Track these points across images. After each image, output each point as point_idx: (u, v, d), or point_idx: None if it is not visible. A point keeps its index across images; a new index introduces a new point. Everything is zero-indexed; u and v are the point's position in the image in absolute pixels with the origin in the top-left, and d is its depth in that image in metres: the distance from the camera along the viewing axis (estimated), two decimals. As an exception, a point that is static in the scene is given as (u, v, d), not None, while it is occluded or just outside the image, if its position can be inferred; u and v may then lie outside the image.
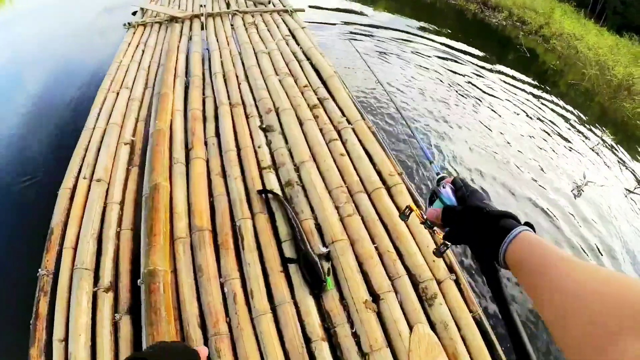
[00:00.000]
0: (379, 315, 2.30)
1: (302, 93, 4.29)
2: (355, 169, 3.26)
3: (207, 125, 3.86)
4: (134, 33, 6.45)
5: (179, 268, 2.52)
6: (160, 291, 2.29)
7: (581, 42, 11.59)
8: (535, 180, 4.72)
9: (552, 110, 6.86)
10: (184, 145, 3.58)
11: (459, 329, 2.28)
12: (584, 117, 7.07)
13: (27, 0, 10.76)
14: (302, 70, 4.81)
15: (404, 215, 1.19)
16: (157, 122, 3.71)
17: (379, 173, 3.21)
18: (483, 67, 8.08)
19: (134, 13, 7.61)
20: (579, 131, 6.34)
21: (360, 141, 3.55)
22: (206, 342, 2.19)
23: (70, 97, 5.60)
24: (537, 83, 8.11)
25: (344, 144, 3.53)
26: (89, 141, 3.80)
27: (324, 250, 2.59)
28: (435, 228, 0.93)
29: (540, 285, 0.54)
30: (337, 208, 2.89)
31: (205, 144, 3.62)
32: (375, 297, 2.37)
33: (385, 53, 7.88)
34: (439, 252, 0.99)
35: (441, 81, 6.91)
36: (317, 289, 2.39)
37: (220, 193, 3.04)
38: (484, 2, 14.58)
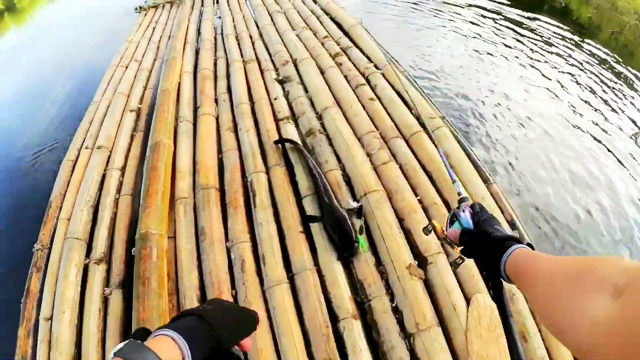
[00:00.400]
0: (427, 284, 1.74)
1: (322, 44, 3.80)
2: (388, 114, 2.73)
3: (218, 84, 3.45)
4: (145, 15, 6.16)
5: (179, 232, 2.08)
6: (152, 258, 1.84)
7: None
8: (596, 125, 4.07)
9: (597, 61, 6.05)
10: (193, 104, 3.19)
11: (527, 301, 1.68)
12: (629, 66, 6.25)
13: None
14: (322, 23, 4.30)
15: (427, 230, 1.23)
16: (163, 83, 3.30)
17: (416, 118, 2.66)
18: (520, 23, 7.34)
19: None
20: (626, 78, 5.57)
21: (391, 85, 3.02)
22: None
23: (81, 78, 5.36)
24: (576, 36, 7.32)
25: (372, 89, 3.01)
26: (95, 113, 3.53)
27: (354, 204, 2.05)
28: (454, 245, 1.04)
29: (531, 291, 0.64)
30: (369, 156, 2.36)
31: (216, 101, 3.20)
32: (422, 261, 1.81)
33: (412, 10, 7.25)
34: (455, 264, 1.20)
35: (480, 36, 6.22)
36: (346, 252, 1.84)
37: (230, 148, 2.59)
38: None
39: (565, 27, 7.37)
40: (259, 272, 1.87)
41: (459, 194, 1.31)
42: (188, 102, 3.18)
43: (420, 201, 2.09)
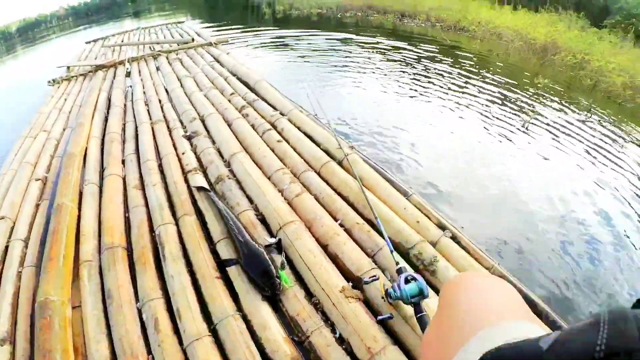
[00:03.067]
0: (368, 304, 1.54)
1: (229, 100, 3.69)
2: (296, 151, 2.64)
3: (125, 146, 3.18)
4: (58, 87, 5.77)
5: (84, 299, 1.75)
6: (53, 328, 1.51)
7: (497, 24, 11.71)
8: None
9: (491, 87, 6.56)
10: (99, 167, 2.88)
11: None
12: (520, 87, 6.84)
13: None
14: (228, 83, 4.21)
15: (369, 280, 1.31)
16: (69, 148, 2.98)
17: (325, 151, 2.59)
18: (412, 64, 7.82)
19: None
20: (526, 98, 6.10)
21: (297, 127, 2.96)
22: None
23: None
24: (468, 67, 7.93)
25: (279, 132, 2.93)
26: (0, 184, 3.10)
27: (271, 240, 1.85)
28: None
29: None
30: (280, 192, 2.22)
31: (123, 162, 2.93)
32: (357, 282, 1.62)
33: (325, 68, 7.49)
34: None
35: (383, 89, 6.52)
36: (270, 290, 1.61)
37: (137, 204, 2.33)
38: (402, 13, 14.63)
39: (462, 63, 8.02)
40: (175, 330, 1.57)
41: (397, 263, 1.39)
42: (94, 165, 2.86)
43: (341, 224, 1.94)
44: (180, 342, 1.53)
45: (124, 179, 2.69)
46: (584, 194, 3.46)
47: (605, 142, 4.58)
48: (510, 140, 4.31)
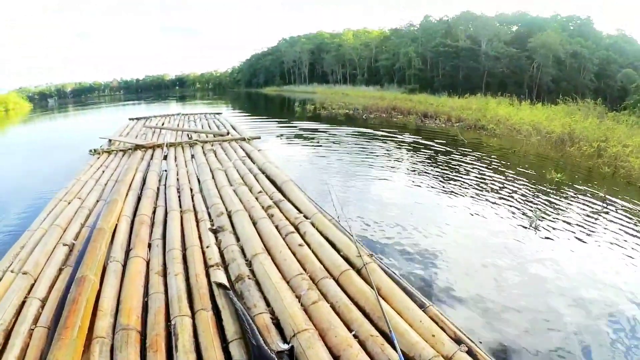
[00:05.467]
0: None
1: (256, 198, 3.87)
2: (317, 256, 2.71)
3: (154, 229, 3.30)
4: (98, 158, 6.14)
5: None
6: None
7: (515, 120, 12.09)
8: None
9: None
10: (126, 246, 2.99)
11: None
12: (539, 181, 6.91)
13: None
14: (257, 180, 4.44)
15: None
16: (101, 222, 3.14)
17: (345, 258, 2.67)
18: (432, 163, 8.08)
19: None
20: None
21: (320, 231, 3.06)
22: None
23: (24, 204, 4.97)
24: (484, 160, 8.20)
25: (302, 236, 3.02)
26: (29, 239, 3.24)
27: (284, 346, 1.86)
28: None
29: None
30: (298, 297, 2.24)
31: (149, 246, 3.02)
32: None
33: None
34: None
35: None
36: None
37: (157, 291, 2.38)
38: (424, 114, 15.18)
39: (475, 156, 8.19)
40: None
41: None
42: (122, 243, 2.98)
43: (355, 336, 1.96)
44: None
45: (147, 263, 2.76)
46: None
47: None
48: (531, 240, 4.35)
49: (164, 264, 2.74)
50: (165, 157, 5.92)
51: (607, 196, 6.18)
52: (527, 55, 36.84)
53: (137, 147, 6.56)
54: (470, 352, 1.86)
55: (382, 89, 37.14)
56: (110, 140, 7.33)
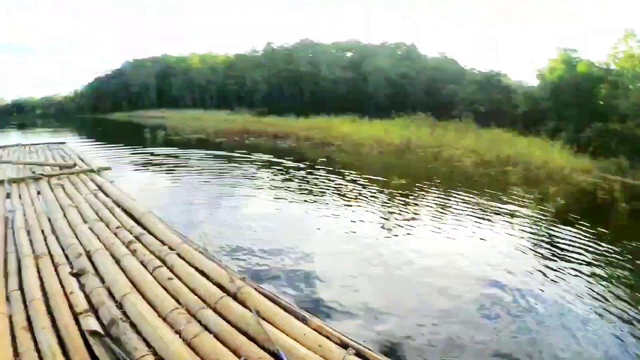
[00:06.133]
0: None
1: (115, 234, 3.79)
2: (189, 288, 2.74)
3: (9, 280, 3.07)
4: None
5: None
6: None
7: (358, 136, 13.82)
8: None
9: None
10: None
11: None
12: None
13: None
14: (114, 215, 4.34)
15: None
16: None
17: (218, 285, 2.74)
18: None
19: None
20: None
21: (187, 262, 3.11)
22: None
23: None
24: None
25: (170, 268, 3.05)
26: None
27: None
28: None
29: None
30: (178, 333, 2.25)
31: (8, 298, 2.81)
32: None
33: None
34: None
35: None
36: None
37: (28, 349, 2.26)
38: (275, 135, 16.09)
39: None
40: None
41: None
42: None
43: None
44: None
45: (10, 318, 2.57)
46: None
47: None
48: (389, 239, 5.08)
49: (28, 318, 2.58)
50: (8, 196, 5.37)
51: (447, 193, 7.69)
52: (363, 77, 41.45)
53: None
54: (358, 354, 2.02)
55: (233, 112, 38.33)
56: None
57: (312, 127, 16.55)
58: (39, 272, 3.18)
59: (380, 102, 39.39)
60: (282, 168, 9.80)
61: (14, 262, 3.39)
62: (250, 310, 2.29)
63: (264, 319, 2.25)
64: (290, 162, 10.56)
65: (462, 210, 6.86)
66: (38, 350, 2.27)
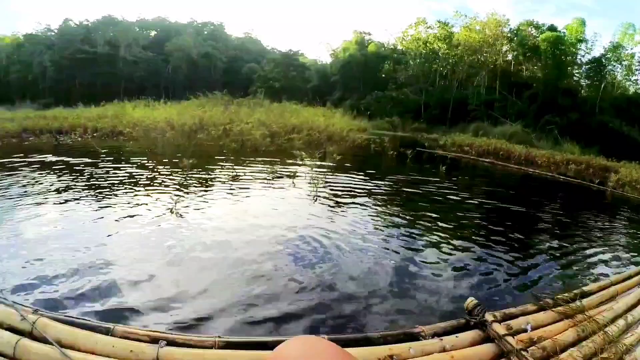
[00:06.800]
0: None
1: None
2: None
3: None
4: None
5: None
6: None
7: (151, 120, 13.41)
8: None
9: None
10: None
11: None
12: None
13: None
14: None
15: None
16: None
17: (9, 329, 2.21)
18: None
19: None
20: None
21: None
22: None
23: None
24: None
25: None
26: None
27: None
28: None
29: None
30: None
31: None
32: None
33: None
34: None
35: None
36: None
37: None
38: (58, 131, 13.84)
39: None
40: None
41: None
42: None
43: None
44: None
45: None
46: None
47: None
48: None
49: None
50: None
51: (236, 167, 8.17)
52: (164, 58, 39.74)
53: None
54: (170, 343, 1.96)
55: (13, 107, 31.07)
56: None
57: (103, 116, 14.81)
58: None
59: (179, 83, 38.64)
60: (63, 171, 8.59)
61: None
62: (52, 344, 1.99)
63: (69, 347, 2.00)
64: (72, 160, 9.59)
65: (251, 179, 7.41)
66: None
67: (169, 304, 3.17)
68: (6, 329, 2.16)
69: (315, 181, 7.02)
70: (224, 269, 3.74)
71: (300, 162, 9.22)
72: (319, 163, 9.05)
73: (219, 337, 1.91)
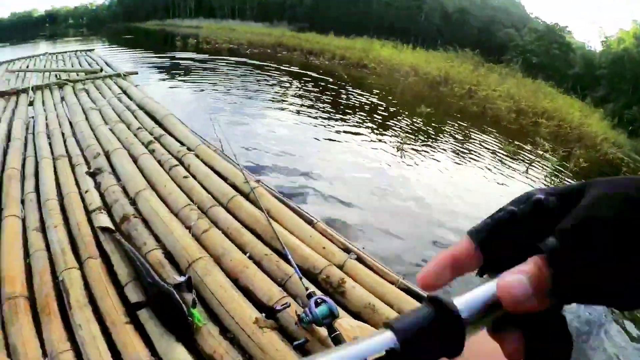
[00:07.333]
0: (283, 332, 1.56)
1: (135, 135, 3.62)
2: (203, 187, 2.62)
3: (25, 183, 2.96)
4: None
5: None
6: None
7: (396, 61, 12.77)
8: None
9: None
10: (-4, 209, 2.67)
11: (391, 305, 1.70)
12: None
13: None
14: (135, 117, 4.15)
15: (280, 308, 1.39)
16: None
17: (232, 186, 2.63)
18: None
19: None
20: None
21: (205, 162, 2.97)
22: None
23: None
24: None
25: (186, 168, 2.91)
26: None
27: (180, 278, 1.79)
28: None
29: None
30: (188, 228, 2.18)
31: (23, 202, 2.72)
32: (270, 312, 1.63)
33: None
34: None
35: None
36: (183, 330, 1.56)
37: (39, 249, 2.17)
38: (309, 51, 15.33)
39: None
40: None
41: (306, 289, 1.50)
42: None
43: (250, 257, 1.97)
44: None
45: (23, 221, 2.50)
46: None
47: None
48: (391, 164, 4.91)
49: (41, 219, 2.50)
50: (31, 103, 5.22)
51: (471, 131, 7.11)
52: (418, 5, 38.39)
53: (-4, 95, 5.70)
54: (358, 258, 1.99)
55: (272, 25, 35.29)
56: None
57: (351, 48, 15.41)
58: (55, 173, 3.08)
59: (429, 33, 36.86)
60: (309, 83, 9.30)
61: (32, 166, 3.29)
62: (261, 210, 2.23)
63: (273, 219, 2.20)
64: (318, 78, 9.97)
65: (480, 149, 6.41)
66: (48, 249, 2.19)
67: (362, 228, 3.34)
68: (229, 185, 2.60)
69: (549, 181, 5.86)
70: (421, 221, 3.68)
71: (540, 153, 7.64)
72: (558, 163, 7.12)
73: (403, 277, 1.87)
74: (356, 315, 1.67)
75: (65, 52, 11.20)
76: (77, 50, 11.36)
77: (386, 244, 3.18)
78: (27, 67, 8.54)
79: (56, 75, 6.92)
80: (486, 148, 6.49)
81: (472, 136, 6.99)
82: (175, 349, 1.52)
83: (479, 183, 4.94)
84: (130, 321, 1.68)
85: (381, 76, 11.92)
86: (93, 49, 11.57)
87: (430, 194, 4.26)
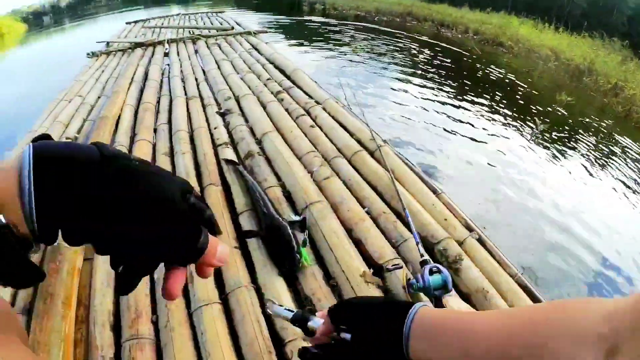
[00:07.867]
0: (387, 293, 1.45)
1: (264, 85, 3.65)
2: (328, 138, 2.57)
3: (159, 116, 3.16)
4: (97, 60, 5.83)
5: (95, 255, 1.66)
6: (60, 274, 1.49)
7: (535, 42, 11.59)
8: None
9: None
10: (130, 133, 2.88)
11: (505, 298, 1.49)
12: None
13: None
14: (265, 69, 4.19)
15: (392, 268, 1.34)
16: (103, 112, 3.02)
17: (357, 141, 2.53)
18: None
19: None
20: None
21: (331, 116, 2.89)
22: (118, 350, 1.30)
23: (22, 111, 5.02)
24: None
25: (313, 119, 2.86)
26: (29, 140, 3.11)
27: (296, 218, 1.74)
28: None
29: None
30: (310, 173, 2.14)
31: (155, 131, 2.91)
32: (378, 270, 1.53)
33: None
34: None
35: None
36: (288, 265, 1.51)
37: (165, 168, 2.28)
38: (440, 23, 14.59)
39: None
40: (185, 294, 1.46)
41: (421, 255, 1.38)
42: (126, 130, 2.85)
43: (367, 212, 1.85)
44: (188, 306, 1.43)
45: (154, 146, 2.66)
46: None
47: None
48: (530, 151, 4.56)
49: (171, 146, 2.64)
50: (166, 54, 5.58)
51: (614, 132, 6.03)
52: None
53: (136, 45, 6.19)
54: (479, 240, 1.79)
55: None
56: (108, 43, 6.92)
57: (486, 22, 14.45)
58: (188, 110, 3.22)
59: (573, 17, 31.65)
60: (441, 59, 8.68)
61: (166, 103, 3.48)
62: (385, 168, 2.11)
63: (397, 180, 2.06)
64: (452, 54, 9.43)
65: (619, 160, 5.07)
66: (174, 172, 2.25)
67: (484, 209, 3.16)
68: (354, 140, 2.51)
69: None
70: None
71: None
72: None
73: (522, 273, 1.64)
74: (465, 298, 1.49)
75: (197, 13, 11.90)
76: (208, 12, 12.00)
77: (502, 237, 2.97)
78: (162, 24, 9.20)
79: (190, 32, 7.29)
80: (630, 158, 5.30)
81: (612, 144, 5.81)
82: (275, 281, 1.49)
83: (615, 205, 4.04)
84: (238, 246, 1.68)
85: (518, 57, 10.98)
86: (224, 11, 12.11)
87: (559, 198, 3.80)
